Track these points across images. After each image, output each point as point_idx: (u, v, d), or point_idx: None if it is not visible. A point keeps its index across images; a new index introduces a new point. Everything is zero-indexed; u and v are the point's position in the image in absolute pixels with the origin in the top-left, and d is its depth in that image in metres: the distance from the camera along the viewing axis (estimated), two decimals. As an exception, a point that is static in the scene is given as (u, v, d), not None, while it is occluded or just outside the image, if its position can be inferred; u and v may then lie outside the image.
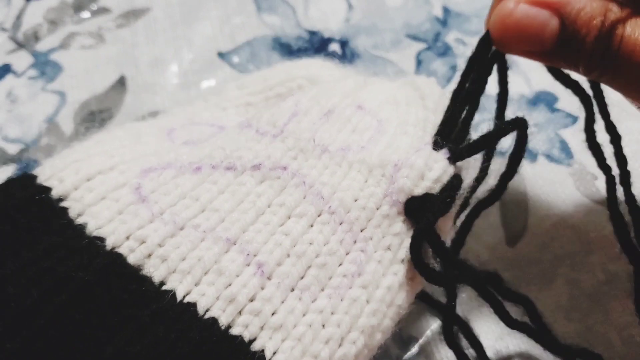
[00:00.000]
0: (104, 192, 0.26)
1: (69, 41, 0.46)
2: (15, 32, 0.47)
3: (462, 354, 0.30)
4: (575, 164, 0.41)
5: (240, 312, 0.23)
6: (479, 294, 0.27)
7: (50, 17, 0.48)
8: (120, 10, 0.48)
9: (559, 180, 0.40)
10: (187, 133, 0.30)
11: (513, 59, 0.47)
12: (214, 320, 0.22)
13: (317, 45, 0.47)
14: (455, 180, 0.26)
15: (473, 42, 0.47)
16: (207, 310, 0.23)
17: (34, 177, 0.26)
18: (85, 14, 0.48)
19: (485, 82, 0.28)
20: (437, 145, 0.27)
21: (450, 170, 0.27)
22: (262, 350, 0.22)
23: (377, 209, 0.26)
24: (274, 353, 0.22)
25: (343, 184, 0.26)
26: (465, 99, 0.27)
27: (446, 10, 0.49)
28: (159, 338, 0.21)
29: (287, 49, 0.47)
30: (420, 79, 0.31)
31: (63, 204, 0.25)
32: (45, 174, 0.26)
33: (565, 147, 0.42)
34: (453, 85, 0.44)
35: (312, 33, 0.48)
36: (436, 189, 0.26)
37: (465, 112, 0.28)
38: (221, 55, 0.46)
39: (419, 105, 0.29)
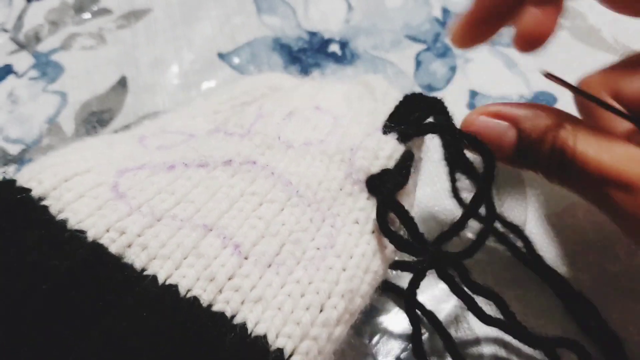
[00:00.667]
0: (82, 191, 0.26)
1: (70, 42, 0.46)
2: (17, 33, 0.47)
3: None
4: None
5: (220, 290, 0.24)
6: (439, 276, 0.28)
7: (51, 18, 0.48)
8: (120, 11, 0.48)
9: (558, 180, 0.41)
10: (159, 140, 0.32)
11: (513, 59, 0.47)
12: (195, 299, 0.23)
13: (317, 46, 0.47)
14: (407, 155, 0.29)
15: (472, 42, 0.47)
16: (188, 291, 0.24)
17: (14, 181, 0.27)
18: (86, 15, 0.48)
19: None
20: (387, 129, 0.30)
21: (401, 148, 0.29)
22: (244, 323, 0.23)
23: (341, 189, 0.28)
24: (256, 324, 0.23)
25: (308, 172, 0.28)
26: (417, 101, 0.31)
27: (446, 11, 0.49)
28: (143, 318, 0.22)
29: (287, 50, 0.47)
30: (369, 77, 0.33)
31: (43, 202, 0.26)
32: (23, 177, 0.27)
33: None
34: (453, 86, 0.45)
35: (312, 34, 0.48)
36: (390, 165, 0.29)
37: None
38: (221, 56, 0.46)
39: (369, 98, 0.32)
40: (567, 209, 0.40)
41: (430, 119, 0.30)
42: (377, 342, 0.35)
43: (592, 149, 0.27)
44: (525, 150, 0.29)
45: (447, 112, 0.30)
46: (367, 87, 0.32)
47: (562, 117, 0.29)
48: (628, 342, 0.35)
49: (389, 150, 0.29)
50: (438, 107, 0.30)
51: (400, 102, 0.30)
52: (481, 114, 0.29)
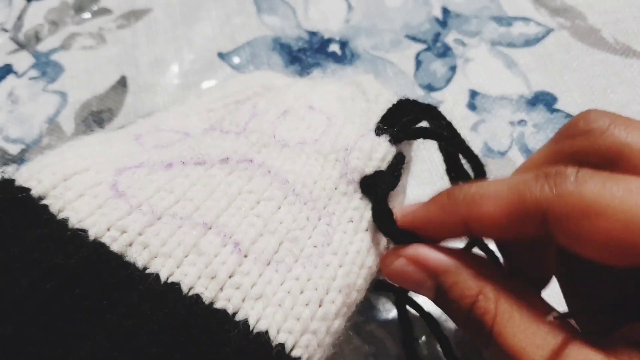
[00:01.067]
0: (82, 189, 0.27)
1: (70, 42, 0.46)
2: (17, 32, 0.47)
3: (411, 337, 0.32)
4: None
5: (221, 288, 0.24)
6: None
7: (51, 18, 0.48)
8: (120, 11, 0.48)
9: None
10: (155, 138, 0.32)
11: (513, 59, 0.47)
12: (198, 297, 0.24)
13: (317, 45, 0.47)
14: (399, 157, 0.30)
15: (472, 42, 0.47)
16: (190, 288, 0.24)
17: (13, 181, 0.27)
18: (86, 15, 0.48)
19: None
20: (379, 131, 0.30)
21: (393, 149, 0.30)
22: (246, 319, 0.24)
23: (336, 188, 0.29)
24: (258, 320, 0.24)
25: (303, 170, 0.29)
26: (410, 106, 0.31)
27: (445, 11, 0.49)
28: (147, 316, 0.23)
29: (287, 50, 0.47)
30: (360, 77, 0.34)
31: (43, 201, 0.26)
32: (22, 177, 0.27)
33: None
34: (453, 85, 0.45)
35: (312, 34, 0.48)
36: (383, 166, 0.29)
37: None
38: (221, 55, 0.46)
39: (362, 99, 0.32)
40: (567, 208, 0.40)
41: (425, 123, 0.31)
42: (378, 344, 0.35)
43: (511, 331, 0.23)
44: (443, 304, 0.26)
45: (442, 117, 0.30)
46: (359, 87, 0.33)
47: (488, 276, 0.25)
48: (628, 342, 0.35)
49: (381, 152, 0.29)
50: (433, 113, 0.30)
51: (393, 105, 0.31)
52: (399, 256, 0.27)
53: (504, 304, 0.24)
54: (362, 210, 0.29)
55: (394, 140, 0.30)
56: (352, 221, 0.28)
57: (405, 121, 0.30)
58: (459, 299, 0.25)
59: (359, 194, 0.29)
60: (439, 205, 0.26)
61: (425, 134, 0.30)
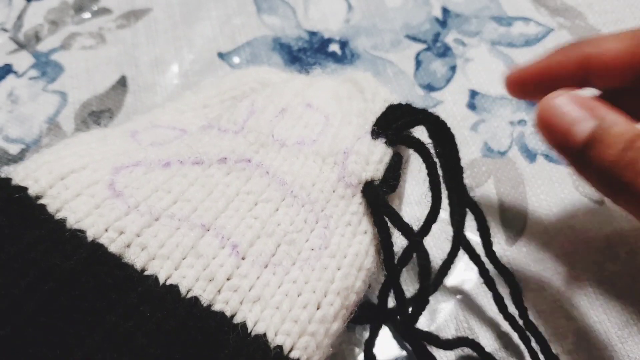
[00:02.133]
0: (79, 189, 0.26)
1: (70, 41, 0.46)
2: (16, 32, 0.47)
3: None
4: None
5: (219, 290, 0.24)
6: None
7: (51, 18, 0.48)
8: (120, 11, 0.48)
9: (558, 180, 0.41)
10: (152, 135, 0.32)
11: (513, 59, 0.47)
12: (196, 299, 0.24)
13: (317, 45, 0.47)
14: (397, 158, 0.30)
15: (472, 42, 0.47)
16: (188, 291, 0.24)
17: (9, 180, 0.27)
18: (86, 15, 0.48)
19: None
20: (374, 134, 0.30)
21: (390, 151, 0.30)
22: (244, 322, 0.24)
23: (334, 191, 0.29)
24: (256, 323, 0.24)
25: (302, 172, 0.29)
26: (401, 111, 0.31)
27: (445, 11, 0.49)
28: (146, 318, 0.23)
29: (287, 50, 0.47)
30: (357, 74, 0.34)
31: (41, 201, 0.26)
32: (19, 176, 0.27)
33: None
34: (453, 85, 0.45)
35: (312, 34, 0.48)
36: (381, 169, 0.29)
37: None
38: (221, 55, 0.46)
39: (359, 98, 0.32)
40: (567, 209, 0.40)
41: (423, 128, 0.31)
42: (376, 343, 0.35)
43: None
44: (597, 142, 0.26)
45: (441, 124, 0.30)
46: (356, 85, 0.33)
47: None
48: (628, 343, 0.35)
49: (378, 155, 0.29)
50: (430, 119, 0.30)
51: (386, 110, 0.31)
52: (561, 95, 0.27)
53: None
54: (360, 214, 0.28)
55: (390, 143, 0.30)
56: (350, 225, 0.28)
57: (399, 124, 0.30)
58: (618, 137, 0.25)
59: (357, 198, 0.29)
60: (559, 51, 0.29)
61: (414, 145, 0.30)
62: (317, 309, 0.25)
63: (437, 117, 0.30)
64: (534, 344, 0.33)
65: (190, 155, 0.29)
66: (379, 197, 0.28)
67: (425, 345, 0.32)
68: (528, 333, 0.33)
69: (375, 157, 0.29)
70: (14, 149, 0.41)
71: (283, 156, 0.29)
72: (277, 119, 0.30)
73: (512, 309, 0.34)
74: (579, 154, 0.27)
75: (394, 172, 0.30)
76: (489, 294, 0.37)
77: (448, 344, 0.33)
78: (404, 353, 0.34)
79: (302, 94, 0.32)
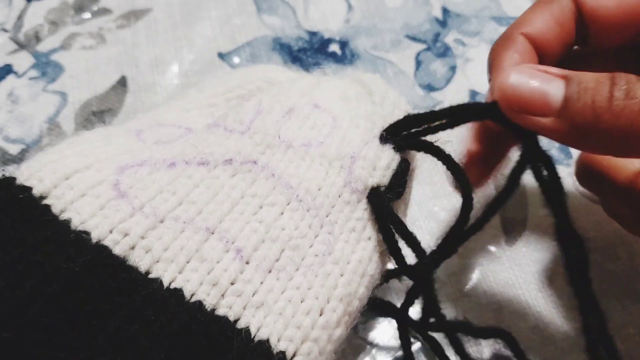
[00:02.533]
0: (84, 189, 0.26)
1: (70, 42, 0.46)
2: (16, 32, 0.47)
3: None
4: (574, 163, 0.42)
5: (223, 295, 0.24)
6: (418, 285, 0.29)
7: (51, 18, 0.48)
8: (120, 11, 0.48)
9: (558, 180, 0.41)
10: (156, 134, 0.32)
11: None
12: (200, 304, 0.24)
13: (317, 45, 0.47)
14: (404, 165, 0.30)
15: (472, 42, 0.47)
16: (192, 295, 0.24)
17: (13, 179, 0.27)
18: (86, 15, 0.48)
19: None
20: (383, 139, 0.30)
21: (397, 157, 0.30)
22: (248, 327, 0.24)
23: (339, 196, 0.28)
24: (259, 328, 0.24)
25: (307, 175, 0.28)
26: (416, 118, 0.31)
27: (445, 11, 0.49)
28: (150, 321, 0.22)
29: (288, 50, 0.47)
30: (366, 76, 0.33)
31: (45, 201, 0.26)
32: (23, 175, 0.27)
33: (564, 147, 0.42)
34: (453, 85, 0.45)
35: (312, 34, 0.48)
36: (388, 175, 0.29)
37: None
38: (221, 55, 0.46)
39: (368, 101, 0.32)
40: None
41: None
42: (376, 343, 0.35)
43: None
44: (577, 94, 0.25)
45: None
46: (364, 87, 0.33)
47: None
48: (628, 343, 0.35)
49: (386, 160, 0.29)
50: (445, 113, 0.30)
51: (399, 120, 0.30)
52: (519, 72, 0.26)
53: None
54: (365, 220, 0.28)
55: (398, 148, 0.30)
56: (354, 231, 0.28)
57: (408, 133, 0.30)
58: (596, 82, 0.25)
59: (362, 204, 0.28)
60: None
61: (426, 148, 0.30)
62: (320, 315, 0.25)
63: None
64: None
65: (195, 155, 0.28)
66: (384, 205, 0.28)
67: (456, 334, 0.32)
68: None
69: (382, 162, 0.29)
70: (14, 149, 0.41)
71: (289, 158, 0.29)
72: (284, 119, 0.30)
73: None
74: (558, 117, 0.26)
75: (401, 179, 0.30)
76: (489, 294, 0.37)
77: (481, 333, 0.33)
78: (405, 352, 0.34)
79: (309, 94, 0.31)
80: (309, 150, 0.29)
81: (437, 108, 0.43)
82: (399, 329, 0.33)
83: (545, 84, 0.26)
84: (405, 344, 0.33)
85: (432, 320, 0.32)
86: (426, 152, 0.30)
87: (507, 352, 0.34)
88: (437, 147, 0.29)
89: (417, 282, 0.30)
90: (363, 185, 0.28)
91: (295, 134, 0.29)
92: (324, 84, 0.33)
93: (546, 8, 0.30)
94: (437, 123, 0.29)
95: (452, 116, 0.29)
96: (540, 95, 0.26)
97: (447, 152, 0.29)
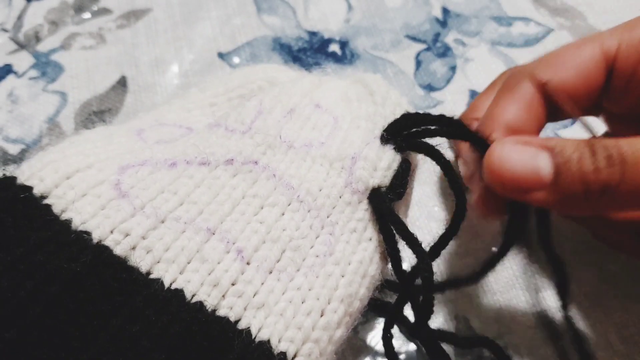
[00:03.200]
0: (85, 189, 0.26)
1: (70, 42, 0.46)
2: (16, 32, 0.47)
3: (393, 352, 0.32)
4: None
5: (224, 296, 0.24)
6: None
7: (51, 18, 0.48)
8: (120, 11, 0.48)
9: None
10: (157, 133, 0.32)
11: (513, 59, 0.47)
12: (201, 304, 0.24)
13: (317, 45, 0.47)
14: (405, 165, 0.30)
15: (472, 42, 0.47)
16: (193, 295, 0.24)
17: (14, 178, 0.27)
18: (86, 15, 0.48)
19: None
20: (384, 139, 0.30)
21: (398, 157, 0.30)
22: (248, 328, 0.24)
23: (340, 197, 0.28)
24: (259, 329, 0.24)
25: (308, 176, 0.28)
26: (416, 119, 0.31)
27: (445, 11, 0.49)
28: (151, 322, 0.22)
29: (287, 50, 0.47)
30: (367, 76, 0.33)
31: (46, 201, 0.26)
32: (24, 174, 0.27)
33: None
34: (453, 85, 0.45)
35: (312, 34, 0.48)
36: (389, 175, 0.29)
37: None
38: (221, 55, 0.46)
39: (369, 101, 0.32)
40: (567, 208, 0.40)
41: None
42: (377, 343, 0.35)
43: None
44: (564, 169, 0.26)
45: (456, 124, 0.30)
46: (366, 87, 0.33)
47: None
48: (628, 343, 0.35)
49: (387, 161, 0.29)
50: (445, 121, 0.30)
51: (399, 118, 0.30)
52: (504, 145, 0.27)
53: (626, 144, 0.25)
54: (366, 221, 0.28)
55: (399, 149, 0.30)
56: (355, 231, 0.28)
57: (409, 133, 0.30)
58: (578, 150, 0.26)
59: (363, 204, 0.29)
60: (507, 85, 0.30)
61: (426, 150, 0.30)
62: (321, 316, 0.25)
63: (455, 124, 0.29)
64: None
65: (197, 155, 0.28)
66: (385, 205, 0.28)
67: (439, 343, 0.32)
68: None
69: (383, 163, 0.29)
70: (14, 149, 0.41)
71: (290, 158, 0.29)
72: (285, 119, 0.30)
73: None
74: (551, 190, 0.26)
75: (402, 180, 0.30)
76: (489, 294, 0.37)
77: (466, 343, 0.33)
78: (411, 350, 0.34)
79: (310, 94, 0.31)
80: (310, 150, 0.29)
81: (437, 108, 0.44)
82: (384, 329, 0.32)
83: (534, 160, 0.26)
84: (388, 345, 0.32)
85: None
86: (426, 154, 0.30)
87: (508, 351, 0.34)
88: (438, 151, 0.29)
89: (402, 294, 0.30)
90: (364, 186, 0.28)
91: (297, 135, 0.29)
92: (325, 85, 0.33)
93: (510, 98, 0.31)
94: (434, 128, 0.30)
95: (447, 126, 0.29)
96: (532, 172, 0.26)
97: (446, 158, 0.29)
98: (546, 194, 0.26)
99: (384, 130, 0.30)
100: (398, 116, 0.31)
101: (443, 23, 0.48)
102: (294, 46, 0.47)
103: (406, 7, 0.49)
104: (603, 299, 0.36)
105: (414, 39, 0.48)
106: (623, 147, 0.25)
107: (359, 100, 0.32)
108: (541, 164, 0.26)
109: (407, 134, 0.30)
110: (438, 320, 0.35)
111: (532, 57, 0.47)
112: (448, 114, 0.30)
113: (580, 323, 0.35)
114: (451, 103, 0.44)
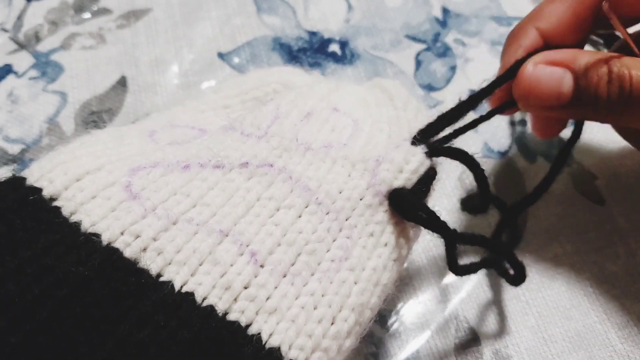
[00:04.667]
0: (95, 191, 0.26)
1: (70, 42, 0.46)
2: (16, 32, 0.47)
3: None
4: (574, 164, 0.42)
5: (236, 299, 0.24)
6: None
7: (51, 18, 0.48)
8: (120, 11, 0.48)
9: (559, 180, 0.41)
10: (170, 135, 0.31)
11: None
12: (211, 308, 0.23)
13: (317, 45, 0.47)
14: (431, 172, 0.29)
15: (472, 42, 0.47)
16: (204, 299, 0.23)
17: (24, 179, 0.26)
18: (86, 15, 0.48)
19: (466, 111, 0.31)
20: (416, 141, 0.29)
21: (427, 163, 0.29)
22: (259, 333, 0.23)
23: (361, 199, 0.28)
24: (270, 335, 0.23)
25: (328, 177, 0.28)
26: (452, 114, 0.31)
27: (445, 11, 0.49)
28: (161, 326, 0.22)
29: (287, 50, 0.47)
30: (386, 81, 0.33)
31: (55, 203, 0.25)
32: (34, 176, 0.26)
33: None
34: (453, 85, 0.45)
35: (312, 34, 0.48)
36: (414, 179, 0.28)
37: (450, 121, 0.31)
38: (221, 55, 0.46)
39: (389, 105, 0.31)
40: (567, 209, 0.40)
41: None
42: (378, 344, 0.35)
43: None
44: (584, 89, 0.30)
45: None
46: (384, 92, 0.32)
47: (608, 53, 0.30)
48: (628, 343, 0.35)
49: (415, 164, 0.28)
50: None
51: (437, 118, 0.30)
52: (537, 62, 0.31)
53: (629, 59, 0.29)
54: (384, 225, 0.28)
55: (430, 154, 0.29)
56: (372, 235, 0.27)
57: (446, 135, 0.29)
58: (597, 71, 0.29)
59: (383, 207, 0.28)
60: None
61: (461, 157, 0.29)
62: (332, 324, 0.25)
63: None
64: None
65: (211, 158, 0.28)
66: (411, 199, 0.28)
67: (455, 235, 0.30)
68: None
69: (411, 166, 0.28)
70: (14, 149, 0.41)
71: (308, 160, 0.28)
72: (302, 123, 0.29)
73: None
74: (573, 103, 0.30)
75: (426, 185, 0.29)
76: (489, 294, 0.37)
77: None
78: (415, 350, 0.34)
79: (327, 98, 0.31)
80: (329, 151, 0.28)
81: (437, 108, 0.43)
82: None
83: (558, 82, 0.30)
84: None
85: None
86: (460, 161, 0.29)
87: (508, 351, 0.34)
88: (472, 158, 0.29)
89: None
90: (387, 188, 0.28)
91: (315, 137, 0.29)
92: (342, 89, 0.32)
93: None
94: (462, 125, 0.30)
95: (476, 101, 0.31)
96: (555, 92, 0.30)
97: (481, 167, 0.29)
98: (565, 110, 0.31)
99: (417, 134, 0.29)
100: (420, 120, 0.30)
101: (443, 23, 0.48)
102: (294, 46, 0.47)
103: (406, 7, 0.49)
104: (603, 298, 0.36)
105: (414, 39, 0.48)
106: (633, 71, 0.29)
107: (378, 104, 0.31)
108: (564, 86, 0.30)
109: (444, 137, 0.29)
110: (438, 321, 0.35)
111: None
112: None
113: (580, 323, 0.35)
114: (451, 103, 0.44)
